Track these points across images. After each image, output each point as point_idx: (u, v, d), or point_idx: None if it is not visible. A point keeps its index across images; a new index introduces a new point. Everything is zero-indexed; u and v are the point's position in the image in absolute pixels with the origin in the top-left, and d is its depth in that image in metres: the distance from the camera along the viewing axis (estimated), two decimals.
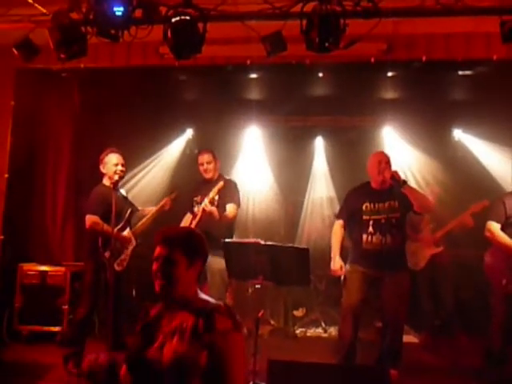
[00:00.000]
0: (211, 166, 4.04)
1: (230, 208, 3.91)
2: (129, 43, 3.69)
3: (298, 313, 5.06)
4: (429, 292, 4.95)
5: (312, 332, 4.92)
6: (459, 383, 3.45)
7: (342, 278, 3.67)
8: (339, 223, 3.78)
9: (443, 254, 4.86)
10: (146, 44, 4.09)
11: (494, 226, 3.55)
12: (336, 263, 3.64)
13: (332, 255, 3.69)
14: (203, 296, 1.78)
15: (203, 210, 3.72)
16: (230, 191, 3.96)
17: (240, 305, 5.53)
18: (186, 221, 4.09)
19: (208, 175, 4.05)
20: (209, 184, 3.98)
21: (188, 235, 1.81)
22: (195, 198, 4.06)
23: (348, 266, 3.67)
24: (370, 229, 3.54)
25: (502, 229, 3.53)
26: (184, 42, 2.93)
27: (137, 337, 1.75)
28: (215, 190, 3.72)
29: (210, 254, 3.85)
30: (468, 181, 5.13)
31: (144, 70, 4.30)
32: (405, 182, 3.52)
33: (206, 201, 3.72)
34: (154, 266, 1.72)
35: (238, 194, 4.06)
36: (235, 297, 5.74)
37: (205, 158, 4.05)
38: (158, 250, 1.74)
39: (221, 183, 3.76)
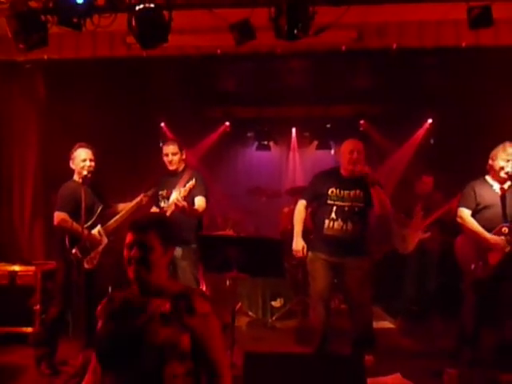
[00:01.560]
0: (176, 158, 3.88)
1: (199, 201, 3.80)
2: (94, 33, 3.62)
3: (276, 303, 5.05)
4: (414, 277, 5.04)
5: (290, 322, 4.93)
6: (435, 365, 3.50)
7: (307, 266, 3.69)
8: (302, 203, 3.77)
9: (431, 239, 4.95)
10: (113, 34, 3.99)
11: (465, 213, 3.59)
12: (298, 244, 3.66)
13: (294, 235, 3.69)
14: (174, 281, 1.81)
15: (176, 205, 3.61)
16: (198, 184, 3.80)
17: (218, 297, 5.52)
18: None
19: (173, 167, 3.90)
20: (174, 177, 3.87)
21: (162, 221, 1.80)
22: (160, 192, 3.93)
23: (310, 254, 3.69)
24: (333, 215, 3.55)
25: (472, 215, 3.59)
26: (149, 31, 2.86)
27: (107, 324, 1.70)
28: (186, 189, 3.61)
29: (181, 248, 3.85)
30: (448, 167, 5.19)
31: (111, 61, 4.17)
32: (375, 183, 3.50)
33: (178, 196, 3.60)
34: (127, 253, 1.69)
35: (206, 186, 3.93)
36: (212, 289, 5.73)
37: (170, 148, 3.89)
38: (130, 237, 1.71)
39: (192, 182, 3.63)
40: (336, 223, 3.55)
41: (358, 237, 3.59)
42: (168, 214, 3.70)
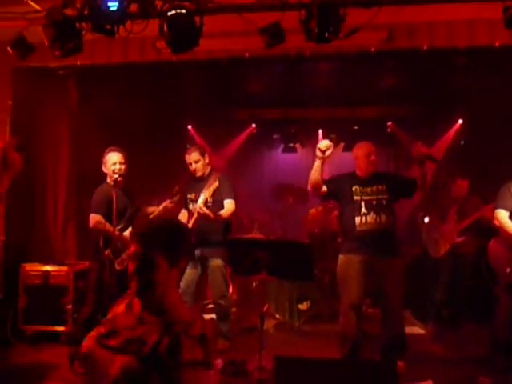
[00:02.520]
0: (200, 165, 3.95)
1: (228, 204, 3.87)
2: (125, 39, 3.70)
3: (303, 306, 5.03)
4: (445, 281, 4.94)
5: (317, 326, 4.90)
6: (467, 373, 3.42)
7: (338, 270, 3.61)
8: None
9: (464, 244, 4.85)
10: (143, 39, 4.05)
11: (502, 214, 3.49)
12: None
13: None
14: (182, 306, 1.58)
15: (198, 212, 3.68)
16: (225, 187, 3.89)
17: (245, 299, 5.54)
18: (182, 219, 4.04)
19: (198, 174, 3.97)
20: (201, 181, 3.93)
21: (167, 229, 1.59)
22: (189, 196, 4.00)
23: (342, 257, 3.58)
24: (363, 209, 3.48)
25: (511, 217, 3.48)
26: (181, 36, 2.89)
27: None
28: (210, 190, 3.67)
29: (210, 251, 3.89)
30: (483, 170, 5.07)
31: (142, 66, 4.24)
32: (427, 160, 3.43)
33: (201, 202, 3.67)
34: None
35: (233, 189, 3.98)
36: (240, 292, 5.75)
37: (192, 157, 3.96)
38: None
39: (215, 184, 3.69)
40: (369, 217, 3.46)
41: (391, 231, 3.52)
42: (192, 221, 3.76)
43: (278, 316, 4.99)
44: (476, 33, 3.93)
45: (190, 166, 3.99)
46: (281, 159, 7.05)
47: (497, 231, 3.60)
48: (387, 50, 4.08)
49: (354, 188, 3.55)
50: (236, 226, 6.03)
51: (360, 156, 3.63)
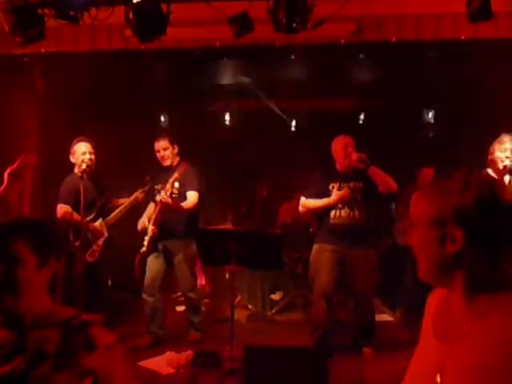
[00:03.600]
0: (168, 153, 3.89)
1: (190, 196, 3.83)
2: (92, 26, 3.60)
3: (275, 296, 5.07)
4: (414, 269, 5.02)
5: (289, 315, 4.95)
6: None
7: (311, 258, 3.69)
8: (303, 201, 3.82)
9: None
10: (111, 27, 3.96)
11: None
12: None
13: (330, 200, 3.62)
14: (58, 306, 1.33)
15: (160, 201, 3.65)
16: (189, 178, 3.86)
17: (217, 291, 5.54)
18: (149, 211, 3.99)
19: (166, 162, 3.92)
20: (168, 171, 3.88)
21: (35, 224, 1.32)
22: (156, 187, 3.94)
23: (316, 246, 3.70)
24: (339, 205, 3.59)
25: None
26: (147, 24, 2.84)
27: None
28: (171, 181, 3.64)
29: (174, 243, 3.95)
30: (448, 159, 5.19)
31: (109, 55, 4.15)
32: (370, 164, 3.56)
33: (163, 193, 3.64)
34: None
35: (199, 180, 3.94)
36: (212, 283, 5.75)
37: (161, 144, 3.90)
38: None
39: (175, 175, 3.66)
40: (343, 211, 3.59)
41: (364, 225, 3.60)
42: (155, 212, 3.73)
43: (250, 307, 5.01)
44: (442, 26, 4.01)
45: (157, 154, 3.92)
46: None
47: None
48: (357, 42, 4.11)
49: (331, 186, 3.66)
50: (208, 217, 6.03)
51: (337, 149, 3.70)
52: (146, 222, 3.86)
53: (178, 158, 4.00)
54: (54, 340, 1.20)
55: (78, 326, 1.24)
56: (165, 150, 3.89)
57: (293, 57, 4.47)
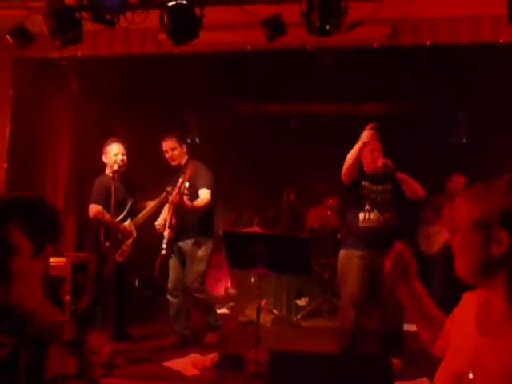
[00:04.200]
0: (176, 153, 3.84)
1: (202, 194, 3.76)
2: (127, 30, 3.69)
3: (301, 302, 5.03)
4: (440, 278, 4.90)
5: (315, 321, 4.90)
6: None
7: (338, 264, 3.62)
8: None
9: None
10: (144, 31, 4.02)
11: None
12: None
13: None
14: (47, 305, 1.17)
15: (172, 202, 3.63)
16: (200, 175, 3.79)
17: (243, 294, 5.54)
18: (164, 213, 3.97)
19: (174, 162, 3.87)
20: (178, 172, 3.85)
21: (31, 204, 1.14)
22: (168, 189, 3.88)
23: (343, 252, 3.61)
24: (367, 206, 3.51)
25: None
26: (181, 27, 2.88)
27: None
28: (181, 181, 3.62)
29: (186, 243, 3.77)
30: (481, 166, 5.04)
31: (143, 58, 4.23)
32: (396, 170, 3.49)
33: (174, 193, 3.62)
34: None
35: (210, 177, 3.84)
36: (238, 286, 5.75)
37: (168, 144, 3.85)
38: None
39: (185, 175, 3.64)
40: (372, 214, 3.50)
41: (394, 229, 3.51)
42: (171, 210, 3.73)
43: (275, 311, 4.98)
44: (479, 29, 3.90)
45: (166, 154, 3.88)
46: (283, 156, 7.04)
47: None
48: (390, 46, 4.04)
49: (363, 183, 3.59)
50: (236, 220, 6.05)
51: (364, 153, 3.63)
52: (162, 224, 3.85)
53: (186, 157, 3.93)
54: (7, 347, 1.03)
55: (40, 338, 1.05)
56: (173, 151, 3.84)
57: (323, 60, 4.44)
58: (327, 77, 4.86)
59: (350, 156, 3.47)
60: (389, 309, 3.55)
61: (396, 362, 3.33)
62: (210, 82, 4.83)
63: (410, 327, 4.53)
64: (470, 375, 1.05)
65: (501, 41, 3.83)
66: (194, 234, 3.79)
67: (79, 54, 4.08)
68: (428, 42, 3.94)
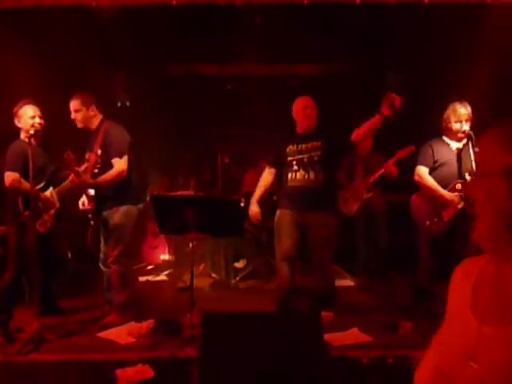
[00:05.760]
0: (79, 115, 3.54)
1: (117, 164, 3.49)
2: None
3: (239, 264, 5.07)
4: (364, 237, 5.12)
5: (253, 283, 4.97)
6: (390, 319, 3.61)
7: (274, 224, 3.69)
8: (269, 171, 3.85)
9: (375, 199, 5.00)
10: None
11: (422, 170, 3.68)
12: (252, 209, 3.77)
13: (251, 200, 3.77)
14: None
15: (72, 182, 3.43)
16: (112, 142, 3.50)
17: (181, 260, 5.49)
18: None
19: (79, 125, 3.59)
20: (92, 137, 3.59)
21: None
22: (86, 156, 3.63)
23: (278, 212, 3.70)
24: (295, 167, 3.59)
25: (430, 173, 3.67)
26: None
27: None
28: (87, 157, 3.45)
29: (109, 211, 3.59)
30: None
31: (60, 10, 3.85)
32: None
33: (71, 173, 3.40)
34: None
35: (124, 141, 3.56)
36: (175, 253, 5.69)
37: (73, 104, 3.53)
38: None
39: (97, 140, 3.45)
40: (298, 173, 3.57)
41: (321, 187, 3.56)
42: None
43: (214, 275, 5.00)
44: None
45: (71, 115, 3.60)
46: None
47: (415, 186, 3.76)
48: (320, 3, 3.98)
49: (288, 148, 3.65)
50: (171, 184, 5.91)
51: (296, 111, 3.67)
52: (85, 200, 3.63)
53: (97, 121, 3.61)
54: None
55: None
56: (76, 112, 3.55)
57: (255, 19, 4.30)
58: (258, 36, 4.75)
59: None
60: (319, 266, 3.67)
61: (327, 314, 3.46)
62: (135, 39, 4.53)
63: (343, 282, 4.79)
64: (473, 364, 0.93)
65: (426, 1, 3.91)
66: (112, 202, 3.58)
67: None
68: (358, 0, 3.93)
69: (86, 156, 3.60)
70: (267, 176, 3.84)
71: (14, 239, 3.52)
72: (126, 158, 3.51)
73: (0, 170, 3.61)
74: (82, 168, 3.53)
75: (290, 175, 3.60)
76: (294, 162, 3.59)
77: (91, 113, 3.58)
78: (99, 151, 3.47)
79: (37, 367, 2.95)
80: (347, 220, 4.80)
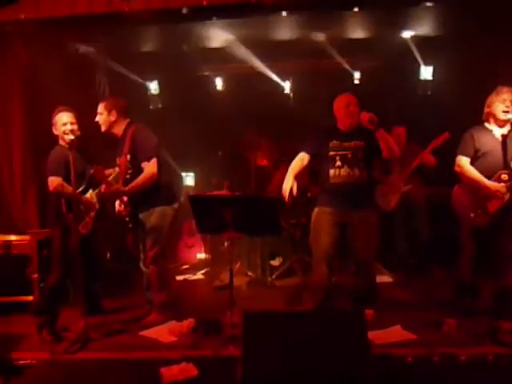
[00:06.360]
0: (102, 119, 3.59)
1: (147, 168, 3.49)
2: None
3: (275, 262, 5.06)
4: (403, 231, 5.02)
5: (289, 280, 4.95)
6: (433, 316, 3.53)
7: (312, 222, 3.63)
8: (301, 155, 3.63)
9: (413, 192, 4.88)
10: None
11: (464, 161, 3.54)
12: (287, 182, 3.52)
13: (286, 176, 3.55)
14: None
15: (103, 193, 3.50)
16: (141, 146, 3.50)
17: (217, 259, 5.54)
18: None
19: (102, 128, 3.62)
20: (120, 141, 3.61)
21: None
22: (117, 160, 3.68)
23: (316, 209, 3.63)
24: (338, 163, 3.50)
25: (471, 163, 3.52)
26: None
27: None
28: (123, 156, 3.47)
29: (144, 214, 3.62)
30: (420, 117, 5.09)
31: (91, 18, 3.94)
32: (379, 127, 3.43)
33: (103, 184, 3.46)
34: None
35: (152, 144, 3.54)
36: (212, 252, 5.74)
37: (98, 108, 3.60)
38: None
39: (125, 145, 3.47)
40: (343, 170, 3.49)
41: (365, 185, 3.52)
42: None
43: (250, 273, 5.01)
44: None
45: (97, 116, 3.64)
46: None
47: (456, 177, 3.64)
48: None
49: (331, 143, 3.55)
50: (204, 185, 5.95)
51: (338, 108, 3.60)
52: (118, 203, 3.68)
53: (123, 125, 3.62)
54: None
55: None
56: (99, 115, 3.60)
57: (284, 13, 4.26)
58: (287, 32, 4.69)
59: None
60: (361, 265, 3.61)
61: (369, 312, 3.41)
62: (167, 41, 4.59)
63: (381, 279, 4.71)
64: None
65: None
66: (146, 205, 3.60)
67: (22, 16, 3.78)
68: None
69: (117, 161, 3.66)
70: (298, 159, 3.61)
71: (59, 242, 3.63)
72: (154, 160, 3.51)
73: (42, 175, 3.74)
74: (114, 174, 3.61)
75: (332, 171, 3.51)
76: (338, 158, 3.50)
77: (112, 118, 3.60)
78: (128, 156, 3.51)
79: (84, 365, 3.05)
80: (385, 215, 4.70)
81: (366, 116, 3.42)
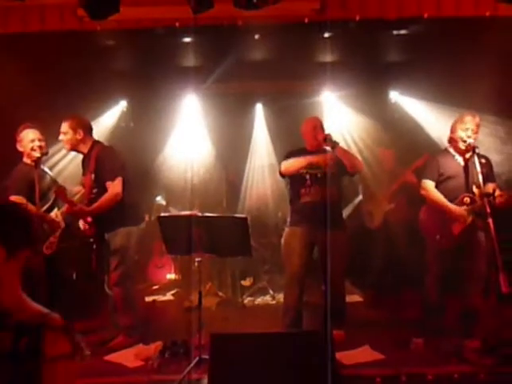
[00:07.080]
0: (66, 138, 3.50)
1: (111, 188, 3.43)
2: (42, 5, 3.39)
3: (246, 282, 5.04)
4: (382, 250, 5.08)
5: (260, 300, 4.92)
6: (403, 335, 3.57)
7: (282, 242, 3.67)
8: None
9: (396, 211, 4.98)
10: (63, 6, 3.74)
11: (429, 184, 3.64)
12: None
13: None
14: (31, 303, 1.25)
15: (65, 212, 3.46)
16: (104, 165, 3.44)
17: (187, 279, 5.45)
18: None
19: (66, 147, 3.57)
20: (85, 160, 3.56)
21: (1, 210, 1.27)
22: (82, 180, 3.65)
23: (287, 230, 3.70)
24: (308, 182, 3.60)
25: (436, 186, 3.63)
26: (99, 1, 2.66)
27: None
28: (75, 190, 3.50)
29: (110, 233, 3.55)
30: (407, 140, 5.25)
31: (62, 36, 3.89)
32: (337, 144, 3.58)
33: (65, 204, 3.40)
34: None
35: (115, 164, 3.49)
36: (181, 272, 5.65)
37: (62, 127, 3.51)
38: None
39: (90, 165, 3.43)
40: (313, 188, 3.58)
41: (334, 205, 3.57)
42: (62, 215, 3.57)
43: (220, 294, 4.95)
44: (406, 4, 3.98)
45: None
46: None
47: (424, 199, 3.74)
48: (321, 21, 4.02)
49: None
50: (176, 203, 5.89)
51: (306, 130, 3.75)
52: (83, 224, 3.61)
53: (88, 144, 3.56)
54: (6, 340, 1.14)
55: (32, 327, 1.16)
56: (64, 135, 3.53)
57: (257, 36, 4.34)
58: (261, 54, 4.79)
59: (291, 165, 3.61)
60: (331, 285, 3.63)
61: (339, 333, 3.42)
62: (139, 61, 4.58)
63: (351, 298, 4.74)
64: None
65: (425, 16, 3.95)
66: (111, 225, 3.54)
67: None
68: (357, 17, 3.97)
69: (82, 180, 3.60)
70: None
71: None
72: (119, 180, 3.45)
73: (4, 195, 3.62)
74: (80, 193, 3.53)
75: (303, 190, 3.60)
76: (308, 177, 3.59)
77: (78, 137, 3.53)
78: (93, 175, 3.46)
79: None
80: (364, 234, 4.80)
81: (321, 135, 3.57)
